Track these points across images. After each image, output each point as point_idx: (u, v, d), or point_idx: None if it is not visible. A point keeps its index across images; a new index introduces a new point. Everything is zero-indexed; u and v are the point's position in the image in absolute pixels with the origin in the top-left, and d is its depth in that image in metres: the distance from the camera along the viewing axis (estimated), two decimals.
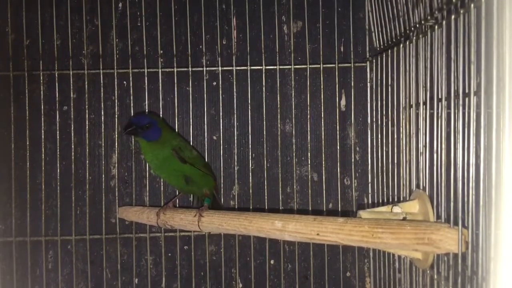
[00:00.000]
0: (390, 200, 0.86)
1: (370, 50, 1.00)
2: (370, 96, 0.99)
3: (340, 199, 1.02)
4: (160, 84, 1.00)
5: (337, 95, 1.01)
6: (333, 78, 1.01)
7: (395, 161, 0.84)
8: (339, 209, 1.02)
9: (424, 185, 0.71)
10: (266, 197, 1.01)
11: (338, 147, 1.01)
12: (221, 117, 1.01)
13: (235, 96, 1.01)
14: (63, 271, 1.00)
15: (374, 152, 0.96)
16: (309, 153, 1.01)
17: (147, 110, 1.00)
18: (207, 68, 1.01)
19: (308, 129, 1.01)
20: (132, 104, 1.00)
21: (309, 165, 1.01)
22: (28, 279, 0.98)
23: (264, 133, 1.01)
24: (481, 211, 0.55)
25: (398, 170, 0.83)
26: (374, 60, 0.97)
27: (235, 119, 1.02)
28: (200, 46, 1.02)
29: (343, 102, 1.03)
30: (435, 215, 0.66)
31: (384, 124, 0.91)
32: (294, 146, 1.02)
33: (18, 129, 0.99)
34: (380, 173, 0.93)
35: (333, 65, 1.01)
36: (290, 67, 1.01)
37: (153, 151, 0.90)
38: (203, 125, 1.01)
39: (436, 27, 0.66)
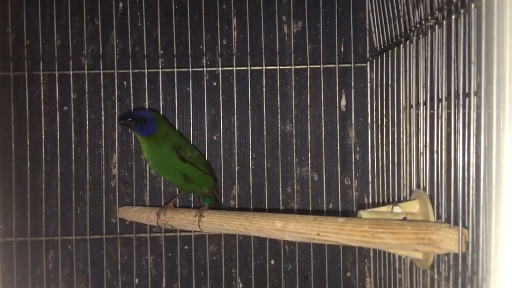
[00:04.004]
0: (391, 200, 0.87)
1: (371, 50, 1.00)
2: (370, 96, 0.99)
3: (340, 199, 1.02)
4: (160, 84, 1.00)
5: (337, 95, 1.01)
6: (333, 78, 1.01)
7: (395, 161, 0.84)
8: (340, 209, 1.02)
9: (424, 185, 0.71)
10: (266, 197, 1.01)
11: (338, 147, 1.01)
12: (221, 117, 1.01)
13: (235, 96, 1.01)
14: (64, 271, 1.00)
15: (374, 152, 0.96)
16: (309, 153, 1.01)
17: (147, 107, 1.00)
18: (207, 69, 1.01)
19: (308, 129, 1.01)
20: (132, 104, 1.00)
21: (309, 165, 1.01)
22: (28, 279, 0.98)
23: (264, 133, 1.01)
24: (481, 211, 0.55)
25: (398, 170, 0.83)
26: (374, 60, 0.97)
27: (235, 119, 1.02)
28: (201, 46, 1.02)
29: (343, 102, 1.03)
30: (435, 215, 0.66)
31: (384, 124, 0.91)
32: (294, 146, 1.02)
33: (18, 129, 0.99)
34: (380, 173, 0.93)
35: (333, 65, 1.01)
36: (290, 67, 1.01)
37: (152, 148, 0.90)
38: (203, 125, 1.01)
39: (436, 27, 0.66)
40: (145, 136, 0.90)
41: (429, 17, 0.68)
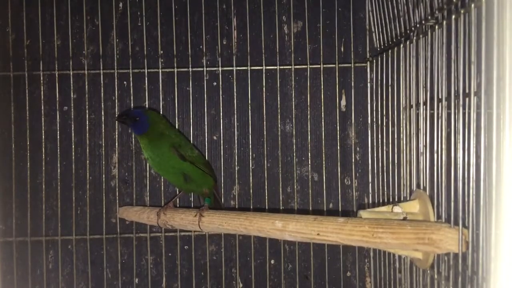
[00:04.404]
0: (391, 200, 0.87)
1: (371, 50, 1.00)
2: (370, 96, 0.99)
3: (340, 199, 1.02)
4: (160, 84, 1.00)
5: (337, 95, 1.01)
6: (333, 78, 1.01)
7: (396, 161, 0.84)
8: (340, 209, 1.02)
9: (424, 185, 0.71)
10: (266, 197, 1.01)
11: (338, 147, 1.01)
12: (221, 117, 1.01)
13: (235, 96, 1.01)
14: (64, 271, 1.00)
15: (374, 152, 0.96)
16: (309, 153, 1.01)
17: (147, 107, 1.00)
18: (207, 68, 1.01)
19: (309, 129, 1.01)
20: (132, 104, 1.00)
21: (309, 165, 1.01)
22: (28, 279, 0.98)
23: (265, 133, 1.01)
24: (481, 211, 0.55)
25: (398, 170, 0.83)
26: (374, 60, 0.97)
27: (235, 119, 1.02)
28: (201, 46, 1.02)
29: (343, 102, 1.03)
30: (435, 215, 0.66)
31: (384, 124, 0.91)
32: (294, 146, 1.02)
33: (18, 129, 0.99)
34: (380, 173, 0.93)
35: (333, 65, 1.01)
36: (290, 67, 1.01)
37: (150, 147, 0.91)
38: (203, 125, 1.01)
39: (436, 27, 0.66)
40: (139, 135, 0.91)
41: (429, 17, 0.68)
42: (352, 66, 1.01)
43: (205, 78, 1.01)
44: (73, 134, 1.00)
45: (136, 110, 0.94)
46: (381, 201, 0.93)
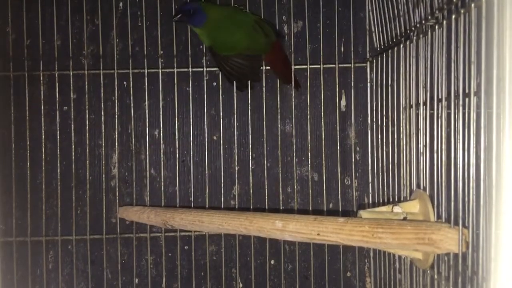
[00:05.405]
0: (391, 200, 0.86)
1: (371, 50, 1.00)
2: (370, 96, 0.99)
3: (340, 199, 1.02)
4: (160, 85, 1.00)
5: (337, 95, 1.01)
6: (333, 78, 1.01)
7: (395, 161, 0.84)
8: (340, 209, 1.02)
9: (424, 185, 0.71)
10: (266, 197, 1.01)
11: (338, 147, 1.01)
12: (221, 117, 1.01)
13: (235, 96, 1.01)
14: (64, 271, 1.00)
15: (374, 152, 0.96)
16: (309, 153, 1.01)
17: (147, 107, 1.00)
18: (207, 69, 1.01)
19: (308, 129, 1.01)
20: (132, 104, 1.00)
21: (309, 165, 1.01)
22: (28, 279, 0.98)
23: (264, 133, 1.01)
24: (481, 211, 0.55)
25: (398, 170, 0.83)
26: (374, 60, 0.97)
27: (235, 119, 1.02)
28: (201, 46, 1.02)
29: (343, 102, 1.03)
30: (435, 215, 0.66)
31: (384, 124, 0.91)
32: (294, 146, 1.02)
33: (18, 130, 0.99)
34: (380, 173, 0.93)
35: (333, 65, 1.01)
36: None
37: (219, 30, 0.94)
38: (203, 125, 1.01)
39: (436, 27, 0.66)
40: (200, 26, 0.93)
41: (429, 17, 0.68)
42: (352, 66, 1.01)
43: (205, 78, 1.01)
44: (73, 134, 1.00)
45: (188, 4, 0.94)
46: (381, 201, 0.93)
